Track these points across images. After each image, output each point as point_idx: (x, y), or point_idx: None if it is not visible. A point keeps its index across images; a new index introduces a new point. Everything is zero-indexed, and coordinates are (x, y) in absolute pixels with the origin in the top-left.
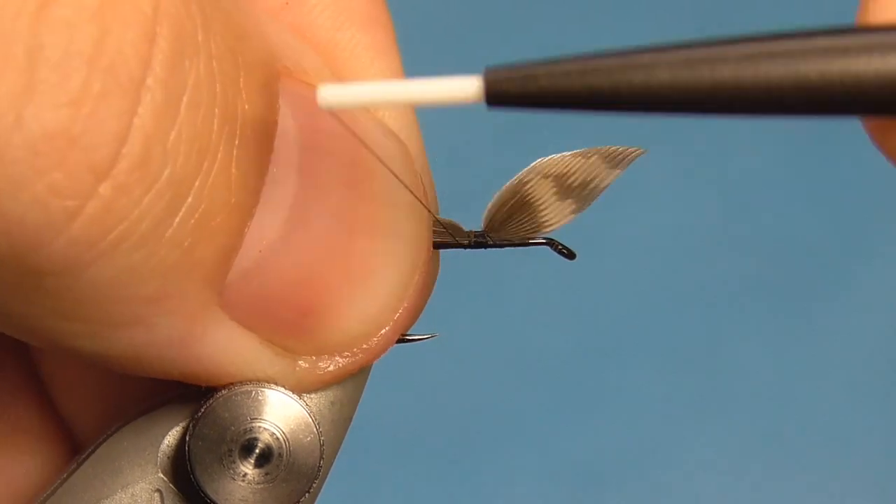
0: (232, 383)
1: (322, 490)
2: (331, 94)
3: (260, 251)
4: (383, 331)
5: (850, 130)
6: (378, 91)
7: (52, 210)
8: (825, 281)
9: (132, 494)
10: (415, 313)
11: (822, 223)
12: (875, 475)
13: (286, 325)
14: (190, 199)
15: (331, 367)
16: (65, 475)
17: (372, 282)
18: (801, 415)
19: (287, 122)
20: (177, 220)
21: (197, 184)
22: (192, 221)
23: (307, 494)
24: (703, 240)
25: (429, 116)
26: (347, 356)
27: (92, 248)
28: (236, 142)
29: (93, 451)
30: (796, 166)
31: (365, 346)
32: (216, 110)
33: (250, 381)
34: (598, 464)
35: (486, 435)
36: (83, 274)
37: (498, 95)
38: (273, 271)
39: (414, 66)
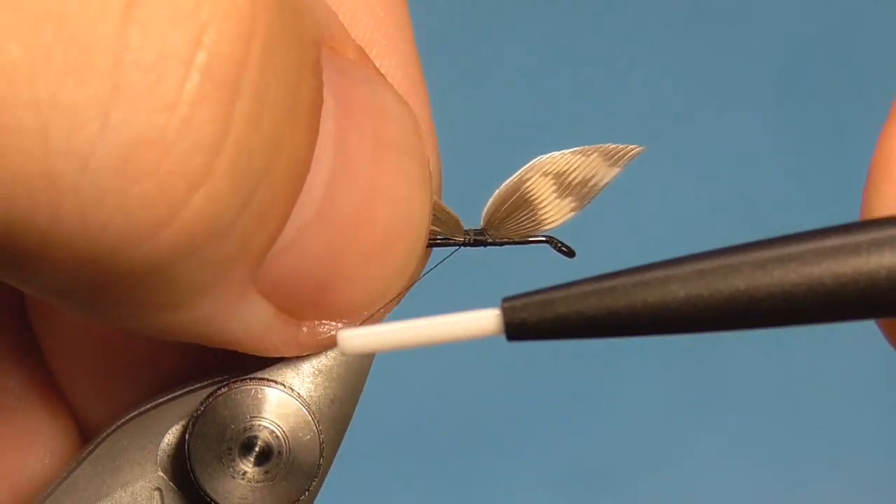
0: (232, 379)
1: (322, 488)
2: (352, 337)
3: (298, 230)
4: (385, 300)
5: (850, 129)
6: (398, 332)
7: (140, 220)
8: None
9: (132, 493)
10: (413, 282)
11: (821, 222)
12: (875, 474)
13: (302, 296)
14: (258, 194)
15: (329, 332)
16: (65, 473)
17: (385, 254)
18: (801, 415)
19: (328, 96)
20: (245, 216)
21: (266, 179)
22: (257, 215)
23: (307, 493)
24: (703, 239)
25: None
26: (346, 322)
27: (174, 254)
28: (297, 128)
29: (92, 450)
30: (796, 165)
31: (365, 313)
32: (288, 101)
33: (250, 379)
34: (598, 464)
35: (486, 435)
36: (155, 274)
37: (517, 326)
38: (304, 248)
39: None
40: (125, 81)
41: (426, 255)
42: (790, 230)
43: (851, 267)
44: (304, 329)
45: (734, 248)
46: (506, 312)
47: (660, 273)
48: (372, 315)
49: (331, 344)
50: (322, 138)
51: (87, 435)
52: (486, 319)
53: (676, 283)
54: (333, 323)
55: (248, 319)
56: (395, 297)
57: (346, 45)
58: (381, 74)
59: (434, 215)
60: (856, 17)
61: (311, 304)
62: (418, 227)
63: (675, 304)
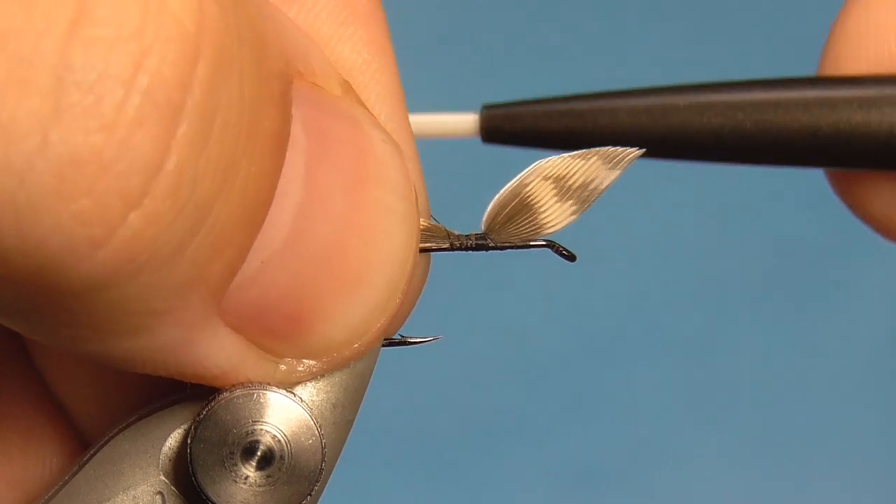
0: (230, 385)
1: (324, 492)
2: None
3: (262, 262)
4: (365, 338)
5: None
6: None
7: (77, 238)
8: (825, 280)
9: (134, 497)
10: (399, 321)
11: (822, 222)
12: (874, 474)
13: (275, 330)
14: (210, 220)
15: (307, 370)
16: (66, 477)
17: (361, 290)
18: (800, 414)
19: (297, 129)
20: (196, 241)
21: (217, 205)
22: (210, 241)
23: (309, 497)
24: (703, 239)
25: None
26: (325, 360)
27: (114, 274)
28: (255, 157)
29: (94, 454)
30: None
31: (345, 351)
32: (242, 128)
33: (251, 384)
34: (598, 463)
35: (486, 435)
36: (99, 295)
37: (491, 132)
38: (271, 280)
39: (405, 67)
40: (66, 100)
41: (419, 289)
42: (791, 234)
43: (788, 119)
44: (283, 367)
45: (672, 88)
46: (483, 118)
47: (613, 102)
48: (351, 353)
49: (308, 379)
50: (290, 171)
51: (87, 440)
52: (466, 122)
53: (624, 113)
54: (312, 362)
55: (215, 351)
56: (378, 335)
57: (329, 79)
58: (368, 111)
59: (428, 234)
60: None
61: (286, 341)
62: (400, 263)
63: (620, 130)
